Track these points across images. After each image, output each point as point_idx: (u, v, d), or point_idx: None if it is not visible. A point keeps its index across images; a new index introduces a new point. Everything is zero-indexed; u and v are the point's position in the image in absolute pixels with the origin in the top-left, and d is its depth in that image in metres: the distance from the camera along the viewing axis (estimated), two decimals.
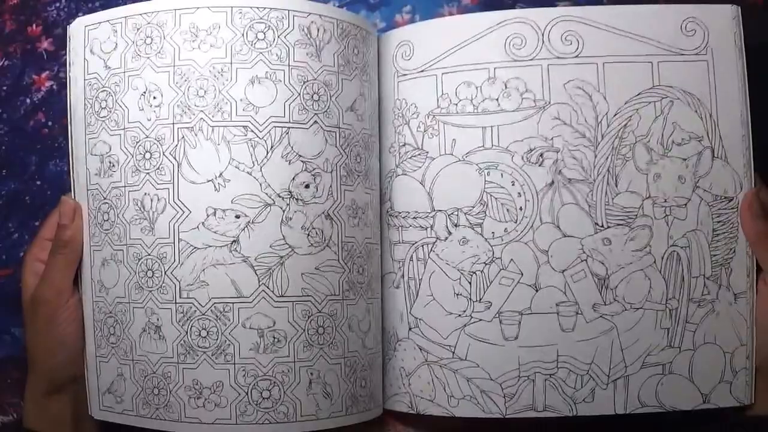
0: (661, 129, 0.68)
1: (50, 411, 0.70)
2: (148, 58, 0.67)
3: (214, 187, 0.65)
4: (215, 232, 0.65)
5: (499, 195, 0.69)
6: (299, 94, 0.67)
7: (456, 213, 0.70)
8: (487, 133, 0.70)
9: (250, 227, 0.65)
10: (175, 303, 0.66)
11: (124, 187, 0.67)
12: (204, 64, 0.66)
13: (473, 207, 0.70)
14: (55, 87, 0.85)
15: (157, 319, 0.66)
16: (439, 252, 0.70)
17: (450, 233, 0.70)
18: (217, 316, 0.65)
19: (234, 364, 0.65)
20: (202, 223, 0.65)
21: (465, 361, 0.70)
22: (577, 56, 0.69)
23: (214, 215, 0.65)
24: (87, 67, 0.69)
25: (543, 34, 0.69)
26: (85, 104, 0.69)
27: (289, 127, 0.66)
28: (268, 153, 0.66)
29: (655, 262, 0.68)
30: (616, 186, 0.68)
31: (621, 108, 0.69)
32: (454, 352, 0.70)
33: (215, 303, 0.65)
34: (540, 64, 0.69)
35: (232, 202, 0.65)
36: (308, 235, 0.66)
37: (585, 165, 0.69)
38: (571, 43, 0.69)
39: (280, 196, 0.66)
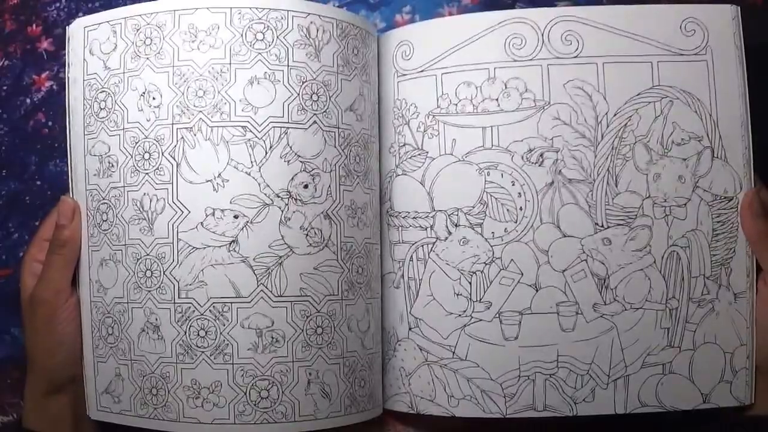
0: (660, 129, 0.68)
1: (50, 411, 0.70)
2: (148, 58, 0.67)
3: (213, 187, 0.65)
4: (214, 232, 0.65)
5: (499, 195, 0.69)
6: (298, 94, 0.67)
7: (456, 213, 0.70)
8: (487, 133, 0.70)
9: (248, 227, 0.65)
10: (174, 303, 0.66)
11: (123, 187, 0.67)
12: (203, 64, 0.66)
13: (473, 207, 0.70)
14: (55, 87, 0.85)
15: (156, 319, 0.66)
16: (439, 252, 0.70)
17: (450, 233, 0.70)
18: (215, 316, 0.65)
19: (232, 364, 0.65)
20: (201, 223, 0.65)
21: (465, 361, 0.70)
22: (576, 56, 0.69)
23: (213, 215, 0.65)
24: (86, 68, 0.69)
25: (543, 34, 0.69)
26: (84, 105, 0.69)
27: (288, 128, 0.66)
28: (266, 153, 0.66)
29: (655, 262, 0.68)
30: (616, 186, 0.68)
31: (621, 108, 0.68)
32: (454, 352, 0.70)
33: (214, 303, 0.65)
34: (540, 64, 0.69)
35: (230, 203, 0.65)
36: (307, 235, 0.66)
37: (585, 165, 0.69)
38: (571, 43, 0.69)
39: (278, 196, 0.66)
